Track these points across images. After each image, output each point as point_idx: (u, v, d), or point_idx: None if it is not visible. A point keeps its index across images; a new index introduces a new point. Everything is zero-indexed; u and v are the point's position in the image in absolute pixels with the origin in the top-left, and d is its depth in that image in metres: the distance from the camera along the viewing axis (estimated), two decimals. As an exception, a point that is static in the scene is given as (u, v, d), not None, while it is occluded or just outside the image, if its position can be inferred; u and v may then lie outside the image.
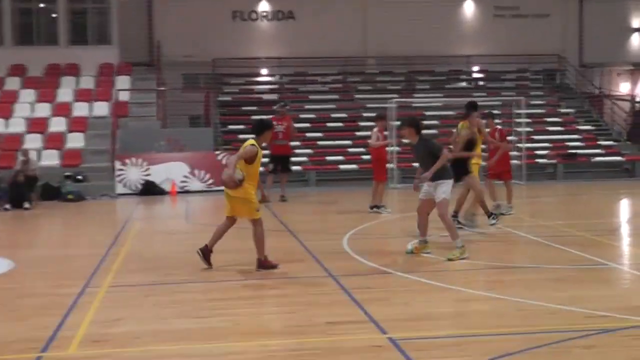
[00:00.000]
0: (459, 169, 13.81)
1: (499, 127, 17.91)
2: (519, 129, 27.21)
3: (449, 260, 11.49)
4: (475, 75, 36.44)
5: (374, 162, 18.61)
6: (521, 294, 9.19)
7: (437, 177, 11.76)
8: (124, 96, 29.29)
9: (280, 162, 21.75)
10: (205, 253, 11.38)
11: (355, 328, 7.86)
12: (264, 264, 11.09)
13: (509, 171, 17.59)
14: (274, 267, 11.09)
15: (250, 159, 11.03)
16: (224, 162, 25.51)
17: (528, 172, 26.43)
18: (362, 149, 28.62)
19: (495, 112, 30.83)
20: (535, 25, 36.46)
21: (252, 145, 11.12)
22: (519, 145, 27.32)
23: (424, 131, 12.50)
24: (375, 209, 17.81)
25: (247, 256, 11.99)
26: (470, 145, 14.67)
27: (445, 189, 11.79)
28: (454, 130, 16.10)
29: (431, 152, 11.84)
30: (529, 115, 30.04)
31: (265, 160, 24.04)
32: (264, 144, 11.60)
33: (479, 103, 30.87)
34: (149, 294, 9.69)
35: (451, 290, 9.53)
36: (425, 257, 11.84)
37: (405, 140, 15.77)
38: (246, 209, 11.10)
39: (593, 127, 32.13)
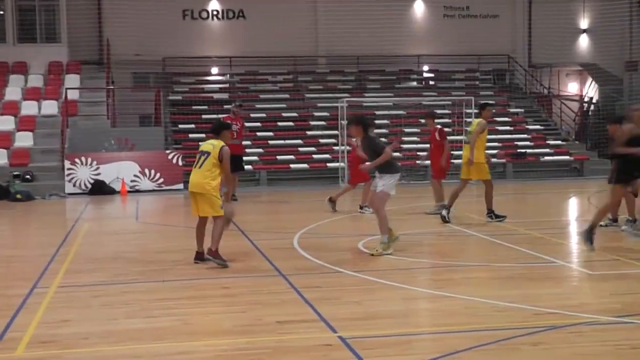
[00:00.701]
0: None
1: (438, 126, 18.08)
2: (468, 129, 27.36)
3: (371, 255, 11.84)
4: (425, 74, 36.62)
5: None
6: (470, 292, 9.26)
7: (382, 170, 12.21)
8: (73, 95, 29.01)
9: (233, 161, 21.64)
10: (214, 255, 11.31)
11: (306, 327, 7.85)
12: (214, 254, 11.26)
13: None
14: (223, 263, 11.24)
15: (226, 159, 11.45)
16: (173, 161, 25.42)
17: (478, 171, 26.61)
18: (312, 148, 28.70)
19: (445, 111, 31.27)
20: (484, 25, 36.77)
21: (224, 146, 11.50)
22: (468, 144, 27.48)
23: (376, 130, 12.74)
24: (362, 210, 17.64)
25: (191, 254, 11.97)
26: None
27: (385, 182, 12.15)
28: (468, 129, 16.33)
29: (374, 150, 12.23)
30: (478, 115, 30.28)
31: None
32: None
33: (429, 102, 31.27)
34: (98, 294, 9.61)
35: (401, 289, 9.57)
36: (373, 258, 11.86)
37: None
38: (209, 206, 11.37)
39: (542, 127, 32.53)
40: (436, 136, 17.53)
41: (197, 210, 11.55)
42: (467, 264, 11.35)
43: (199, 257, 11.64)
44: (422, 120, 30.96)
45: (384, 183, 12.18)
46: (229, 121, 21.44)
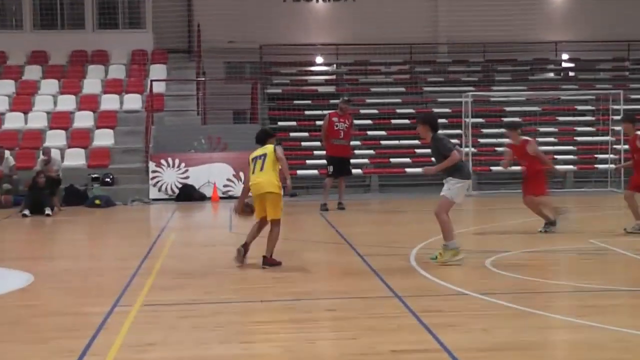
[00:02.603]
0: None
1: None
2: (616, 128, 26.85)
3: (435, 260, 12.87)
4: (564, 64, 36.10)
5: None
6: (620, 322, 9.04)
7: (448, 174, 12.96)
8: (159, 87, 29.52)
9: (339, 164, 21.75)
10: (269, 261, 12.79)
11: (425, 357, 7.80)
12: (270, 261, 12.77)
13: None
14: (278, 264, 12.76)
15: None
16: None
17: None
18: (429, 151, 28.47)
19: (588, 107, 30.72)
20: (636, 4, 35.95)
21: (279, 144, 13.40)
22: (616, 147, 27.02)
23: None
24: None
25: (297, 272, 12.04)
26: None
27: (450, 187, 12.86)
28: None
29: (440, 152, 12.91)
30: (629, 111, 29.67)
31: (322, 162, 24.14)
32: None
33: (569, 97, 30.76)
34: (187, 315, 9.71)
35: (536, 316, 9.42)
36: (504, 276, 11.72)
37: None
38: (273, 208, 12.95)
39: None
40: (638, 144, 16.38)
41: (263, 211, 13.02)
42: (616, 289, 11.10)
43: (245, 248, 13.06)
44: (559, 118, 30.62)
45: (449, 188, 12.87)
46: (333, 118, 21.69)
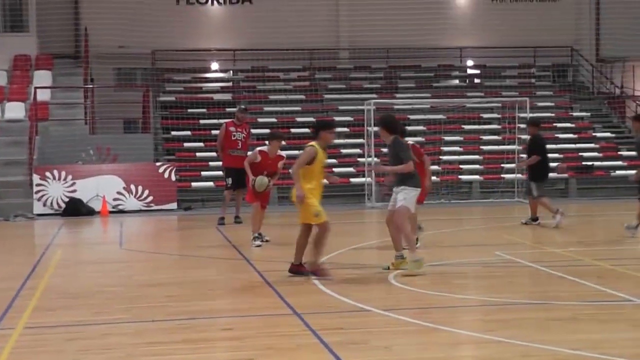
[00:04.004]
0: None
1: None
2: (522, 136, 27.30)
3: (387, 269, 13.27)
4: (469, 71, 36.58)
5: None
6: (526, 336, 9.18)
7: (400, 182, 13.25)
8: (43, 95, 29.11)
9: (237, 176, 21.66)
10: (318, 271, 12.89)
11: (326, 377, 7.83)
12: (316, 270, 12.85)
13: None
14: (306, 274, 12.87)
15: (309, 160, 12.90)
16: (165, 175, 25.43)
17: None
18: (333, 160, 28.66)
19: (494, 115, 31.19)
20: (542, 10, 36.68)
21: (311, 146, 13.04)
22: (523, 155, 27.44)
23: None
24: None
25: (192, 290, 11.98)
26: None
27: (406, 196, 13.08)
28: None
29: (397, 154, 13.14)
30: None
31: (218, 174, 24.11)
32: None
33: (474, 105, 31.21)
34: (73, 337, 9.59)
35: (441, 332, 9.51)
36: (409, 291, 11.83)
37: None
38: (304, 212, 12.88)
39: (613, 135, 32.30)
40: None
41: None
42: (521, 302, 11.27)
43: (296, 270, 13.05)
44: (465, 127, 31.04)
45: (405, 197, 13.06)
46: (230, 127, 21.66)
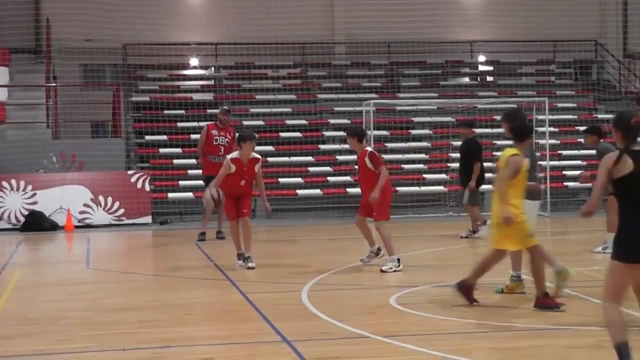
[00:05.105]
0: None
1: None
2: (541, 141, 27.35)
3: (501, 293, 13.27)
4: (481, 67, 36.61)
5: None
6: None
7: None
8: (0, 95, 29.08)
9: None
10: (465, 289, 12.45)
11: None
12: (544, 303, 12.14)
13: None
14: (556, 307, 12.08)
15: (514, 172, 12.31)
16: (138, 185, 25.40)
17: (553, 199, 26.56)
18: (327, 168, 28.68)
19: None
20: (564, 0, 36.71)
21: (515, 155, 12.45)
22: (541, 163, 27.48)
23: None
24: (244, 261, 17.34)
25: (168, 315, 11.95)
26: None
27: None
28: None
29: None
30: (554, 123, 30.28)
31: (199, 183, 24.07)
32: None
33: (486, 105, 31.22)
34: (33, 368, 9.58)
35: (450, 361, 9.52)
36: (413, 315, 11.81)
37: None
38: (511, 236, 12.24)
39: (642, 139, 32.29)
40: (366, 162, 16.82)
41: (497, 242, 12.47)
42: (540, 327, 11.25)
43: (545, 304, 12.19)
44: (476, 130, 31.06)
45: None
46: (212, 131, 21.66)
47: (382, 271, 15.63)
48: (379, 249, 16.56)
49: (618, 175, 8.35)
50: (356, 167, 17.02)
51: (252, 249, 16.88)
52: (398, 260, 15.78)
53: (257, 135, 29.21)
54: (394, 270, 15.65)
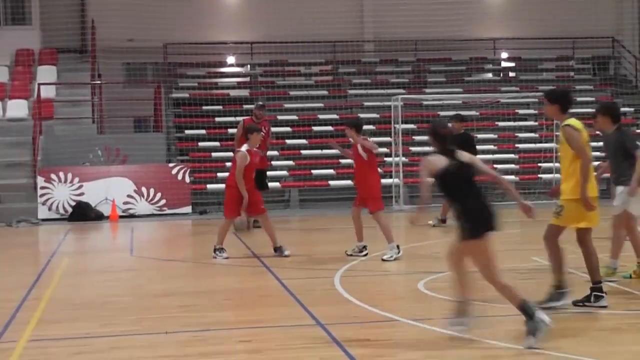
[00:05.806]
0: None
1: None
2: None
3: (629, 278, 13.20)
4: (503, 64, 36.48)
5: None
6: (567, 347, 9.12)
7: None
8: (47, 92, 29.18)
9: (255, 177, 21.61)
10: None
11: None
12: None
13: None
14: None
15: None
16: (179, 177, 25.42)
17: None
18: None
19: (530, 111, 31.06)
20: (582, 1, 36.47)
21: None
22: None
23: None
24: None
25: (207, 300, 11.95)
26: None
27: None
28: None
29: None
30: (573, 116, 30.06)
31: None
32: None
33: (509, 100, 31.10)
34: (80, 351, 9.58)
35: (475, 343, 9.45)
36: (440, 300, 11.76)
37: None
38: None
39: (658, 132, 32.15)
40: (359, 150, 16.65)
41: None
42: (562, 312, 11.17)
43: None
44: (499, 124, 30.91)
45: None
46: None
47: (383, 260, 15.57)
48: (364, 247, 16.42)
49: None
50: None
51: (279, 239, 16.83)
52: (397, 247, 15.71)
53: (291, 130, 29.34)
54: (395, 258, 15.60)
